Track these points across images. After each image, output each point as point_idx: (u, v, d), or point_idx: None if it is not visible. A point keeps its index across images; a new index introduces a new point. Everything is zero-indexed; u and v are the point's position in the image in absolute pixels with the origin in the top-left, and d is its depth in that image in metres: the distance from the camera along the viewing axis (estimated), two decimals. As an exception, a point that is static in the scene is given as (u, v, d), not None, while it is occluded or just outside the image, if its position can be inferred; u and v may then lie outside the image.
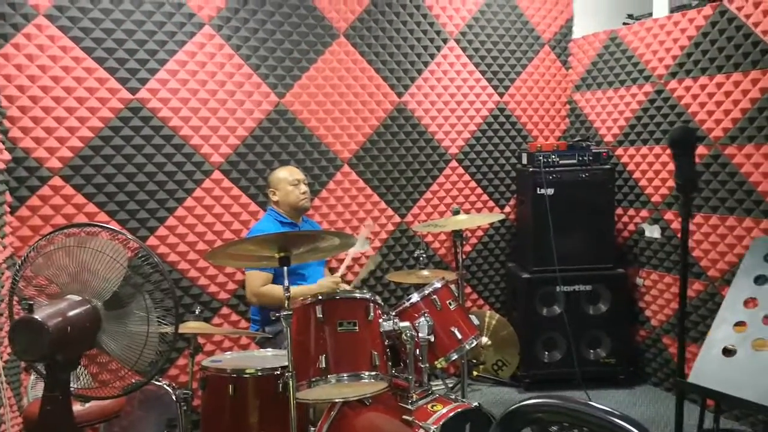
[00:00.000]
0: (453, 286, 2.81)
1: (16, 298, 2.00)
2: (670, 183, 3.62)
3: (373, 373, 2.21)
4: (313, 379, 2.16)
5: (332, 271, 3.64)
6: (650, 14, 3.92)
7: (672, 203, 3.65)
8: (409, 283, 3.65)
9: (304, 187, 3.20)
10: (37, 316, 1.75)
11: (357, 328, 2.24)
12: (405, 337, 2.33)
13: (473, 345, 2.61)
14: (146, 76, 3.17)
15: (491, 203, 4.20)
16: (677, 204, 3.61)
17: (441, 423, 2.27)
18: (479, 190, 4.16)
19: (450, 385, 3.71)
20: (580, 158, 3.76)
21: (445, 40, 3.95)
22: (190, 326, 2.64)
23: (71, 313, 1.84)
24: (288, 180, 3.17)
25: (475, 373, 3.77)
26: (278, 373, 2.31)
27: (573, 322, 3.64)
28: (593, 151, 3.78)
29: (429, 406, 2.40)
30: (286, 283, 2.16)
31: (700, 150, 3.36)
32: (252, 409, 2.35)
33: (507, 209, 4.25)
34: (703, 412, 2.46)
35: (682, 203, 2.05)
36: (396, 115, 3.84)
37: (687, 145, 2.09)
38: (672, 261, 3.64)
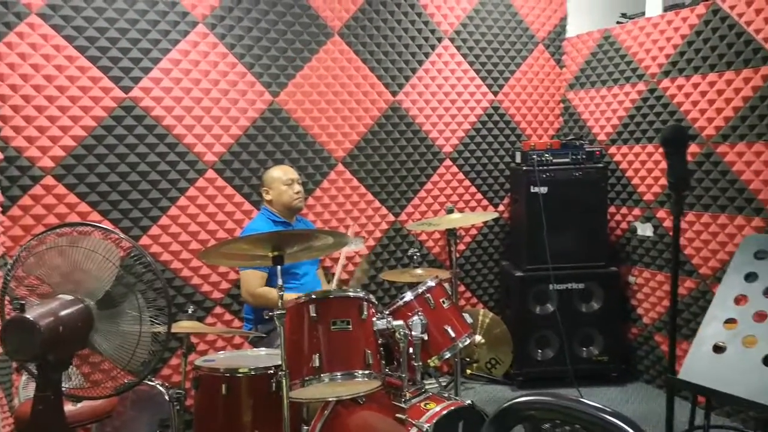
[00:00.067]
0: (446, 285, 2.81)
1: (7, 297, 1.99)
2: (663, 181, 3.64)
3: (367, 371, 2.21)
4: (307, 378, 2.16)
5: (325, 270, 3.65)
6: (643, 13, 3.94)
7: (664, 201, 3.66)
8: (402, 282, 3.65)
9: (297, 187, 3.19)
10: (28, 316, 1.74)
11: (350, 326, 2.24)
12: (398, 336, 2.33)
13: (466, 343, 2.62)
14: (139, 74, 3.16)
15: (485, 202, 4.21)
16: (669, 202, 3.62)
17: (434, 421, 2.27)
18: (473, 189, 4.17)
19: (443, 384, 3.72)
20: (574, 157, 3.77)
21: (439, 39, 3.96)
22: (182, 325, 2.63)
23: (63, 313, 1.83)
24: (282, 179, 3.16)
25: (468, 371, 3.79)
26: (271, 372, 2.31)
27: (566, 320, 3.66)
28: (586, 149, 3.80)
29: (422, 404, 2.41)
30: (280, 281, 2.16)
31: (693, 148, 3.38)
32: (245, 409, 2.34)
33: (501, 208, 4.26)
34: (694, 409, 2.48)
35: (674, 201, 2.07)
36: (390, 113, 3.84)
37: (679, 143, 2.10)
38: (664, 259, 3.66)
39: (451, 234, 3.42)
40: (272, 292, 2.93)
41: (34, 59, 2.93)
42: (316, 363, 2.15)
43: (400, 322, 2.36)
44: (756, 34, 3.07)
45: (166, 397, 2.49)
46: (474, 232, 4.19)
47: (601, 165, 3.79)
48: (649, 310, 3.79)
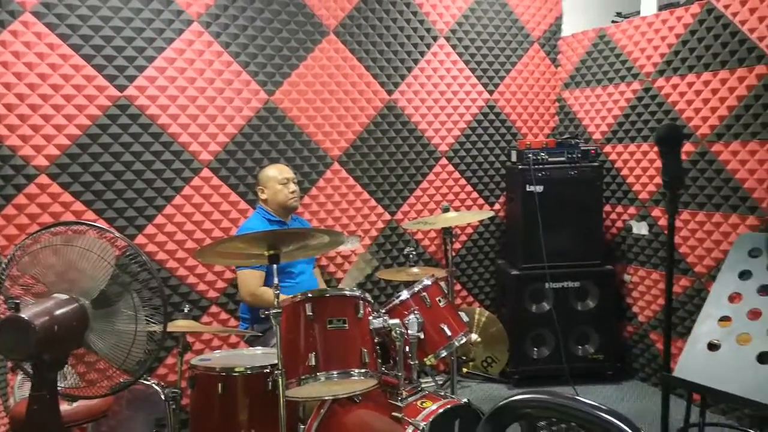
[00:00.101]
0: (443, 284, 2.82)
1: (1, 297, 1.98)
2: (658, 180, 3.65)
3: (363, 370, 2.21)
4: (303, 377, 2.16)
5: (321, 269, 3.65)
6: (638, 12, 3.95)
7: (659, 200, 3.68)
8: (399, 281, 3.66)
9: (293, 186, 3.18)
10: (23, 315, 1.73)
11: (347, 325, 2.24)
12: (395, 335, 2.33)
13: (462, 342, 2.62)
14: (134, 73, 3.15)
15: (481, 201, 4.22)
16: (664, 201, 3.63)
17: (430, 419, 2.28)
18: (469, 188, 4.17)
19: (440, 382, 3.72)
20: (569, 156, 3.78)
21: (434, 38, 3.96)
22: (178, 325, 2.63)
23: (58, 312, 1.83)
24: (277, 179, 3.15)
25: (464, 369, 3.79)
26: (268, 371, 2.31)
27: (561, 319, 3.66)
28: (582, 148, 3.81)
29: (419, 402, 2.41)
30: (276, 280, 2.16)
31: (687, 147, 3.39)
32: (241, 408, 2.34)
33: (496, 206, 4.26)
34: (689, 407, 2.49)
35: (669, 200, 2.07)
36: (386, 112, 3.84)
37: (674, 142, 2.11)
38: (659, 257, 3.68)
39: (447, 233, 3.43)
40: (271, 293, 2.92)
41: (28, 57, 2.92)
42: (313, 362, 2.15)
43: (397, 321, 2.36)
44: (750, 33, 3.09)
45: (162, 397, 2.48)
46: (470, 230, 4.19)
47: (596, 164, 3.80)
48: (645, 309, 3.80)
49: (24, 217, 2.95)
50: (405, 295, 2.56)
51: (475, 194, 4.20)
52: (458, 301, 4.15)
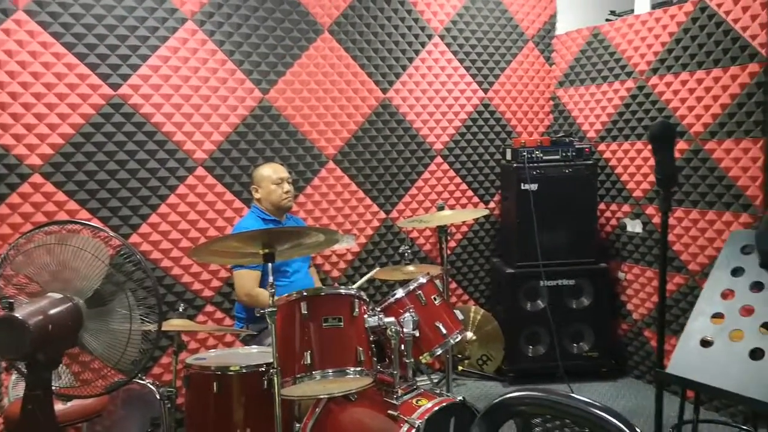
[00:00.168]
0: (438, 282, 2.82)
1: (-4, 296, 1.97)
2: (652, 178, 3.66)
3: (359, 368, 2.21)
4: (298, 376, 2.16)
5: (317, 267, 3.64)
6: (632, 11, 3.96)
7: (653, 198, 3.69)
8: (394, 279, 3.65)
9: (287, 186, 3.15)
10: (17, 315, 1.73)
11: (342, 324, 2.24)
12: (390, 333, 2.33)
13: (458, 340, 2.63)
14: (128, 72, 3.14)
15: (476, 199, 4.23)
16: (658, 199, 3.65)
17: (426, 417, 2.28)
18: (464, 186, 4.18)
19: (435, 380, 3.73)
20: (564, 154, 3.79)
21: (429, 36, 3.96)
22: (173, 324, 2.63)
23: (52, 312, 1.82)
24: (271, 178, 3.13)
25: (460, 367, 3.79)
26: (263, 369, 2.31)
27: (556, 317, 3.68)
28: (576, 146, 3.82)
29: (414, 400, 2.41)
30: (271, 279, 2.15)
31: (681, 145, 3.41)
32: (237, 407, 2.34)
33: (491, 205, 4.27)
34: (683, 403, 2.50)
35: (663, 198, 2.08)
36: (381, 111, 3.84)
37: (667, 140, 2.11)
38: (653, 255, 3.69)
39: (442, 231, 3.43)
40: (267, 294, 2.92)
41: (21, 56, 2.90)
42: (308, 360, 2.15)
43: (392, 319, 2.37)
44: (743, 31, 3.10)
45: (157, 396, 2.48)
46: (465, 229, 4.20)
47: (590, 162, 3.82)
48: (639, 306, 3.82)
49: (17, 216, 2.94)
50: (400, 293, 2.55)
51: (470, 192, 4.20)
52: (453, 299, 4.16)
